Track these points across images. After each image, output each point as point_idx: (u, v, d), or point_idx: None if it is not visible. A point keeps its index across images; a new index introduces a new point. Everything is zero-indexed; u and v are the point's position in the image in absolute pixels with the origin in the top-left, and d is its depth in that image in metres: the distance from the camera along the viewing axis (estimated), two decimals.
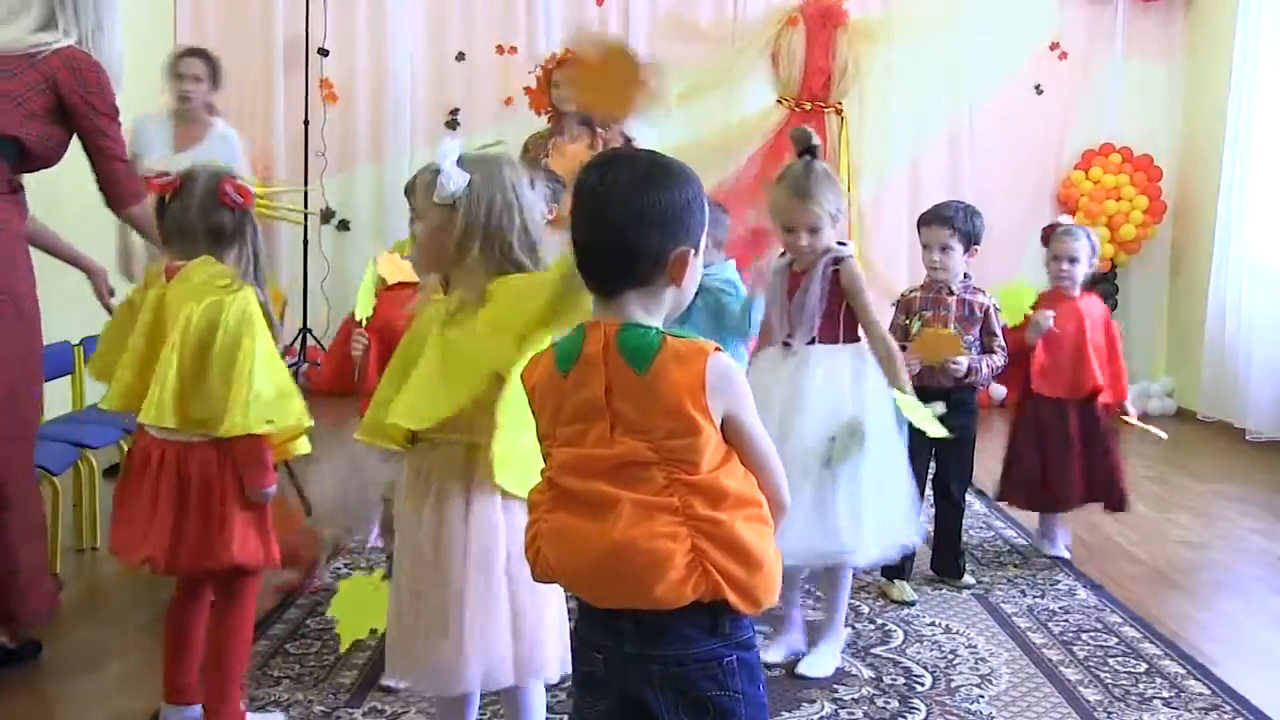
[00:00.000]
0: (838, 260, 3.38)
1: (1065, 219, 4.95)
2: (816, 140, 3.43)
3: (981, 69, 8.04)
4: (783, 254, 3.52)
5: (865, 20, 7.94)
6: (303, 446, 2.93)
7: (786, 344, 3.42)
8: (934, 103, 8.02)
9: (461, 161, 2.35)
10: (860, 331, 3.45)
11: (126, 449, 2.95)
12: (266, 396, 2.75)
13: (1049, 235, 4.65)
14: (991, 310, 4.23)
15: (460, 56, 7.82)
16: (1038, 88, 8.16)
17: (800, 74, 7.86)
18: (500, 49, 7.81)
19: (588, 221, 1.84)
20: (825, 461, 3.25)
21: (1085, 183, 8.09)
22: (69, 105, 3.26)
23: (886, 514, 3.36)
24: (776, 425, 3.18)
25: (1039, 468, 4.55)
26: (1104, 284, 8.07)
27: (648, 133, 7.64)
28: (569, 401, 1.83)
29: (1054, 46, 8.13)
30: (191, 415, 2.73)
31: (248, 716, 2.98)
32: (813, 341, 3.40)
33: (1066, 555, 4.63)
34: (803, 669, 3.45)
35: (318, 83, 7.66)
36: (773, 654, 3.49)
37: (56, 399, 4.87)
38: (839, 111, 7.92)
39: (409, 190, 2.83)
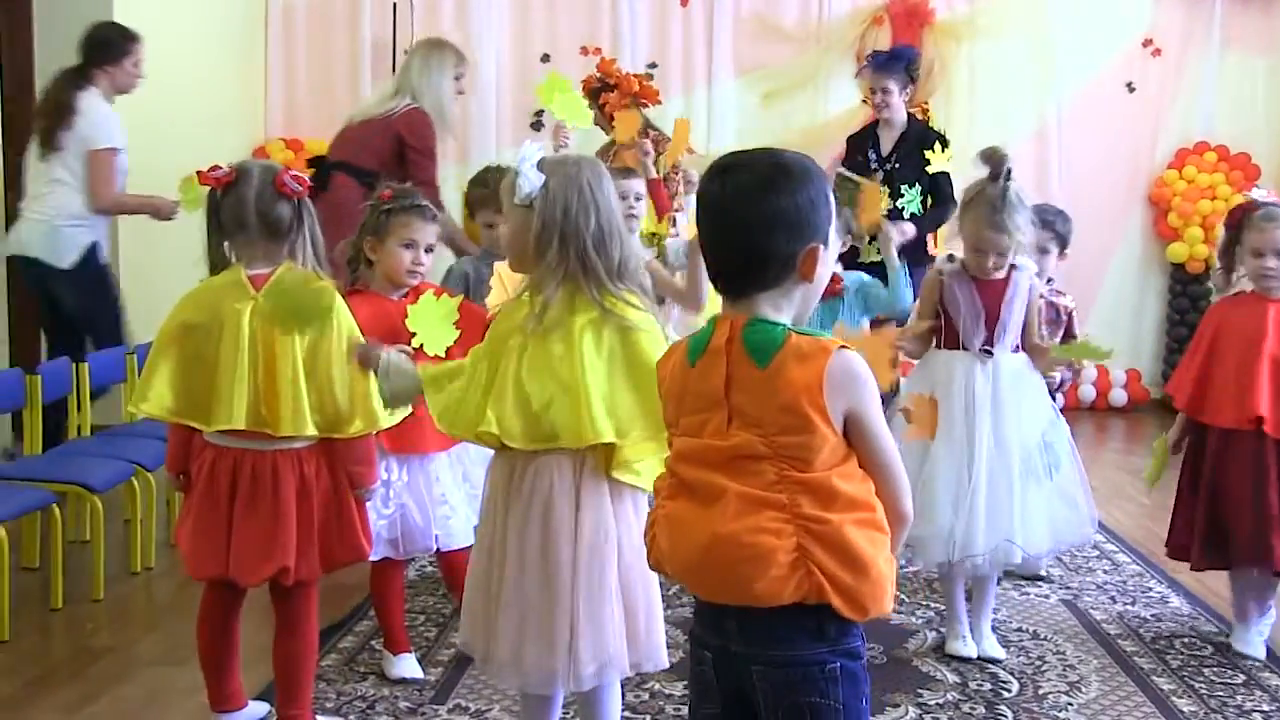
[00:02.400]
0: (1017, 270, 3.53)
1: (1260, 193, 3.72)
2: (1010, 164, 3.48)
3: (1071, 67, 7.89)
4: (950, 257, 3.61)
5: (952, 19, 7.84)
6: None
7: (987, 351, 3.49)
8: (1022, 102, 7.89)
9: (542, 164, 2.39)
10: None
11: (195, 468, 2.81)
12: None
13: (1239, 219, 3.59)
14: (1061, 310, 4.15)
15: (545, 58, 7.84)
16: (1129, 85, 7.99)
17: None
18: (585, 50, 7.80)
19: (713, 228, 1.85)
20: (1035, 470, 3.45)
21: (1179, 182, 7.91)
22: (403, 147, 5.01)
23: (1063, 511, 3.53)
24: (986, 427, 3.43)
25: (1204, 514, 3.60)
26: (1196, 286, 7.90)
27: (730, 134, 7.70)
28: (692, 392, 1.85)
29: (1147, 43, 7.95)
30: (309, 421, 2.70)
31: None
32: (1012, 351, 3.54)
33: (1259, 653, 3.63)
34: (992, 653, 3.58)
35: None
36: (970, 648, 3.58)
37: (112, 408, 4.97)
38: (925, 111, 7.82)
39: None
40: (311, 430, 2.69)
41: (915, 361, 3.67)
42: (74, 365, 4.49)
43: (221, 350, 2.69)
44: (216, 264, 2.79)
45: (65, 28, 6.08)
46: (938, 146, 4.68)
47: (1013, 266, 3.51)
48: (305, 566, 2.76)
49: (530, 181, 2.36)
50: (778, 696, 1.81)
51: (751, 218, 1.78)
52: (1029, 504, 3.44)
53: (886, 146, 5.66)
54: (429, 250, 3.31)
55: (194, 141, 6.11)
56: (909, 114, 5.75)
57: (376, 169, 4.85)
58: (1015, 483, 3.42)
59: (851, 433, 1.79)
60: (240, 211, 2.72)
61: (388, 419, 2.78)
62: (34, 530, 4.25)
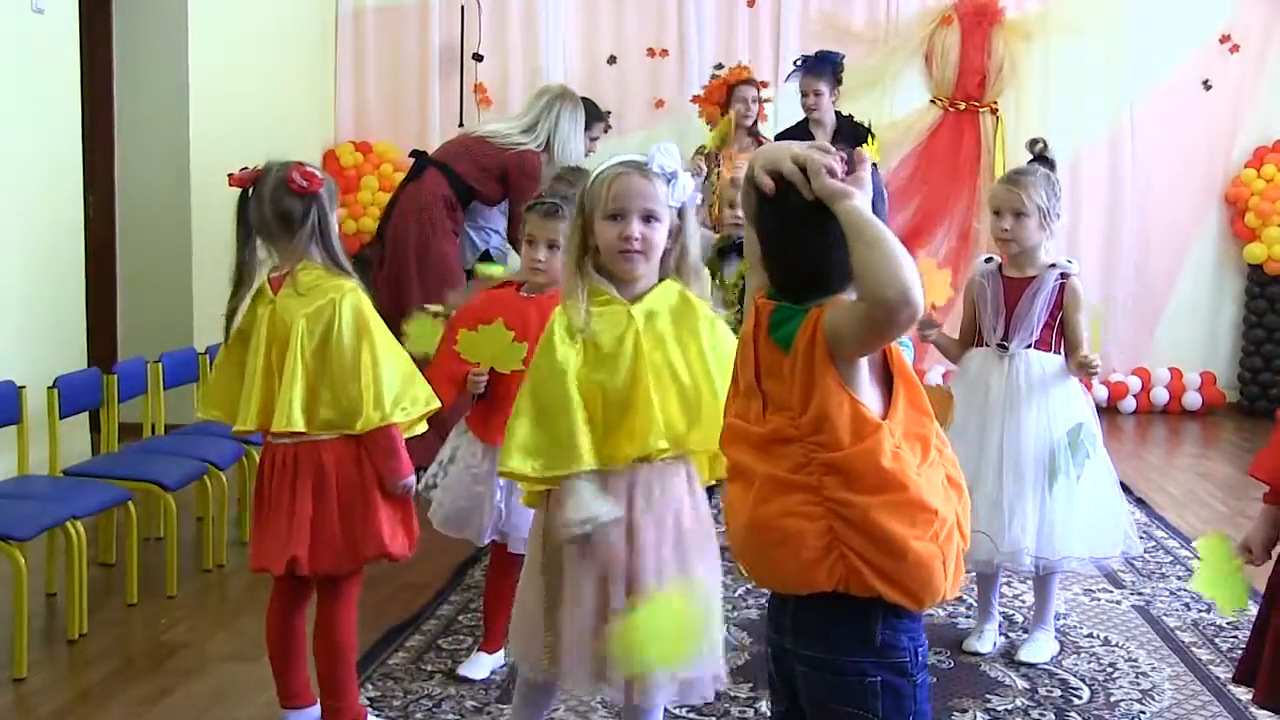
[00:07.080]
0: (1064, 275, 3.49)
1: None
2: (1049, 154, 3.63)
3: (1145, 65, 7.75)
4: (988, 259, 3.63)
5: (1022, 18, 7.75)
6: (420, 426, 2.91)
7: (1002, 346, 3.52)
8: (1094, 101, 7.78)
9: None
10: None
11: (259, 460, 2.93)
12: (395, 386, 2.77)
13: None
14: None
15: (612, 60, 7.87)
16: (1206, 83, 7.83)
17: (954, 74, 7.73)
18: (651, 52, 7.83)
19: (770, 240, 1.83)
20: (1053, 471, 3.41)
21: (1257, 181, 7.74)
22: (508, 184, 5.46)
23: (1097, 521, 3.49)
24: (998, 424, 3.45)
25: None
26: (1275, 287, 7.73)
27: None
28: (740, 375, 1.85)
29: (1224, 39, 7.80)
30: (321, 418, 2.74)
31: (368, 715, 3.02)
32: (1028, 348, 3.51)
33: None
34: (1024, 655, 3.56)
35: (472, 87, 7.80)
36: (984, 643, 3.63)
37: (184, 407, 5.03)
38: (994, 111, 7.76)
39: None
40: (300, 426, 2.71)
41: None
42: (148, 365, 4.58)
43: (248, 354, 2.81)
44: (242, 267, 2.84)
45: (143, 31, 6.23)
46: (870, 139, 4.67)
47: (1053, 266, 3.48)
48: (324, 559, 2.78)
49: None
50: (816, 700, 1.78)
51: (808, 232, 1.72)
52: (1049, 506, 3.41)
53: None
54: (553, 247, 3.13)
55: (264, 145, 6.16)
56: (837, 113, 6.01)
57: (470, 183, 5.47)
58: (1028, 484, 3.41)
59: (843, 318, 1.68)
60: (260, 209, 2.80)
61: (401, 415, 2.78)
62: (110, 527, 4.34)
